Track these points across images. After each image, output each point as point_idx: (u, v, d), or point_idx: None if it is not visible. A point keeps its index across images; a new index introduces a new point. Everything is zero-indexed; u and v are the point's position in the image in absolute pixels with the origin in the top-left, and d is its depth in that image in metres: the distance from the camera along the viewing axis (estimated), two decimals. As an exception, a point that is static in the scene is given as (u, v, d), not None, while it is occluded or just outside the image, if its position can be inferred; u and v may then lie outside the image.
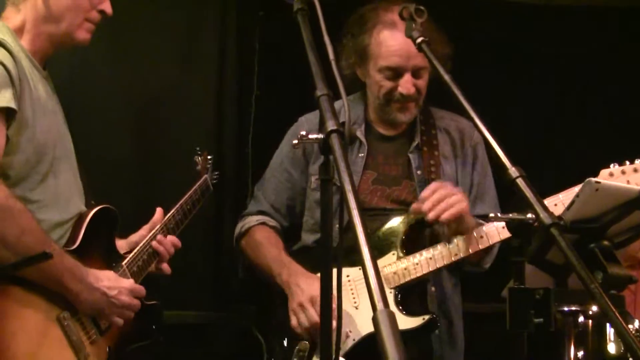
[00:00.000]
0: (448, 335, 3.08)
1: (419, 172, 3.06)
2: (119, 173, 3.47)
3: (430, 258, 2.88)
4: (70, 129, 2.63)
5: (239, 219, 3.24)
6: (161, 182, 3.52)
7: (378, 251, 2.93)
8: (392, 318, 1.30)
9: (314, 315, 2.84)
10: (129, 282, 2.54)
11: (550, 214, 1.84)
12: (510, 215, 1.95)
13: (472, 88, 2.14)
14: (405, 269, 2.89)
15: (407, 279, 2.89)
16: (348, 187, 1.52)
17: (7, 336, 2.22)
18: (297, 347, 2.90)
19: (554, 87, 3.95)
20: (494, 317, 2.41)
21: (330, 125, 1.66)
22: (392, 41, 2.95)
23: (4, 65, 2.28)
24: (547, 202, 2.74)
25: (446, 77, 2.15)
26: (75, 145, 2.63)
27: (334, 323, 1.86)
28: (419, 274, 2.89)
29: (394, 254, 2.94)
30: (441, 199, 2.80)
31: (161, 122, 3.60)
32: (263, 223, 3.17)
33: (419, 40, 2.25)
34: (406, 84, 2.97)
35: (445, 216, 2.78)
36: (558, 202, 2.75)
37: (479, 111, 2.07)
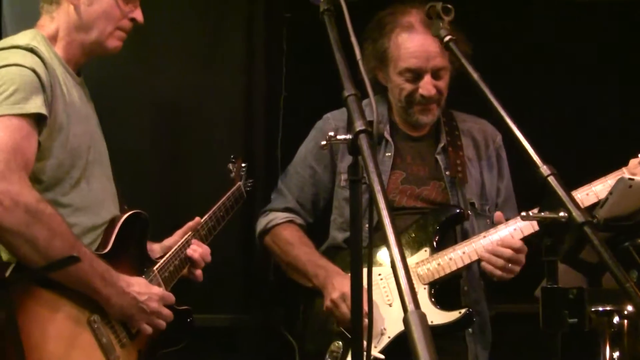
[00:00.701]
0: (480, 334, 3.07)
1: (447, 172, 3.07)
2: (148, 176, 3.49)
3: (464, 252, 2.89)
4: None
5: (262, 214, 3.23)
6: (191, 185, 3.53)
7: (410, 249, 2.95)
8: (423, 319, 1.30)
9: (346, 311, 2.84)
10: (159, 289, 2.55)
11: (583, 212, 1.81)
12: (542, 214, 1.92)
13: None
14: (438, 264, 2.90)
15: (442, 274, 2.90)
16: (377, 188, 1.52)
17: (37, 339, 2.23)
18: (330, 348, 2.90)
19: (571, 84, 3.90)
20: (527, 317, 2.39)
21: (359, 125, 1.66)
22: (410, 43, 2.97)
23: (35, 72, 2.30)
24: (580, 192, 2.77)
25: (475, 76, 2.12)
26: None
27: (366, 321, 1.87)
28: (452, 269, 2.90)
29: (426, 251, 2.95)
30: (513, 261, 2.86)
31: (190, 124, 3.62)
32: (291, 221, 3.16)
33: (447, 38, 2.23)
34: (427, 85, 2.98)
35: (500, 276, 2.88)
36: (590, 192, 2.75)
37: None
